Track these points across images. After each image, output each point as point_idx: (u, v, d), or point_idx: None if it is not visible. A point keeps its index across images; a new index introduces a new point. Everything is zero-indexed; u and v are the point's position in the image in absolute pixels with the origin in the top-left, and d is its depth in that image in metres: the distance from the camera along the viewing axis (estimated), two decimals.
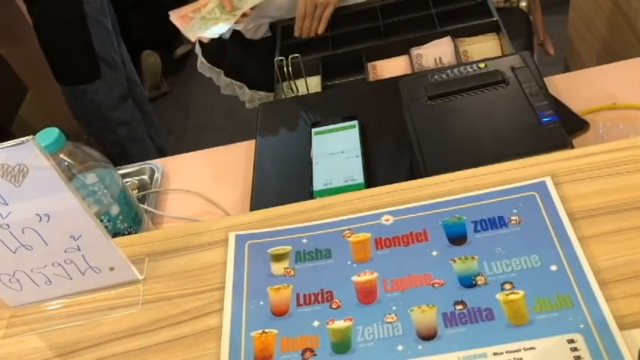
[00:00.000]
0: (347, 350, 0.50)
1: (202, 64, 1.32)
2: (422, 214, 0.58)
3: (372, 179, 0.81)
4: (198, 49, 1.32)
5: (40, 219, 0.53)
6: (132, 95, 1.92)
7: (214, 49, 1.25)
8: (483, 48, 1.00)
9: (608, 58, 1.51)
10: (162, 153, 2.03)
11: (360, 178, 0.81)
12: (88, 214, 0.53)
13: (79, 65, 1.75)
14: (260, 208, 0.65)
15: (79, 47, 1.72)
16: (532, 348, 0.47)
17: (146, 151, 1.93)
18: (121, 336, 0.56)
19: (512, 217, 0.56)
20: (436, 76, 0.75)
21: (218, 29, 1.05)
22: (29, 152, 0.49)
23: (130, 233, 0.79)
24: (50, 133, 0.69)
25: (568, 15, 1.74)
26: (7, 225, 0.53)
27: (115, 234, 0.77)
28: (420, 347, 0.49)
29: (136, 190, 0.98)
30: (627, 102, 0.89)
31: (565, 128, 0.68)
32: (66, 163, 0.73)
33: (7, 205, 0.51)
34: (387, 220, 0.59)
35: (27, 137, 0.48)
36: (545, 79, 0.80)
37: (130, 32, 2.22)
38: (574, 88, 0.94)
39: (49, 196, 0.51)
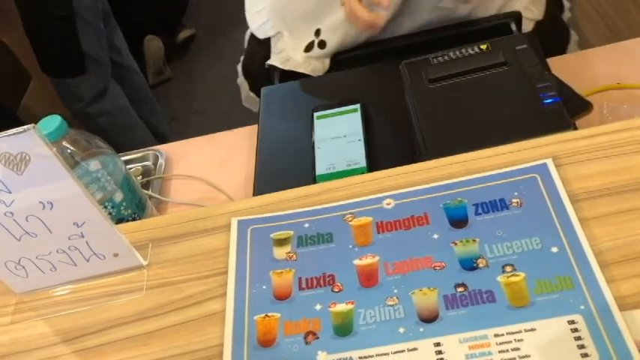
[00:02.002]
0: (349, 333, 0.51)
1: (248, 98, 1.16)
2: (423, 197, 0.58)
3: (374, 163, 0.81)
4: (242, 81, 1.16)
5: (44, 206, 0.53)
6: (128, 83, 1.93)
7: (261, 80, 1.08)
8: None
9: (614, 38, 1.49)
10: (164, 139, 2.03)
11: (362, 162, 0.81)
12: (91, 201, 0.53)
13: (64, 61, 1.76)
14: (263, 193, 0.65)
15: (65, 45, 1.72)
16: (533, 329, 0.48)
17: (136, 137, 1.93)
18: (127, 321, 0.57)
19: (514, 200, 0.56)
20: (437, 59, 0.74)
21: None
22: (30, 140, 0.49)
23: (134, 219, 0.79)
24: (52, 121, 0.70)
25: None
26: (11, 213, 0.53)
27: (119, 220, 0.77)
28: (421, 329, 0.50)
29: (140, 177, 0.98)
30: (632, 82, 0.88)
31: (568, 109, 0.67)
32: (69, 151, 0.73)
33: (10, 193, 0.52)
34: (389, 204, 0.59)
35: (28, 125, 0.48)
36: (548, 59, 0.80)
37: (131, 17, 2.21)
38: (578, 68, 0.93)
39: (52, 184, 0.52)
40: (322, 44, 0.95)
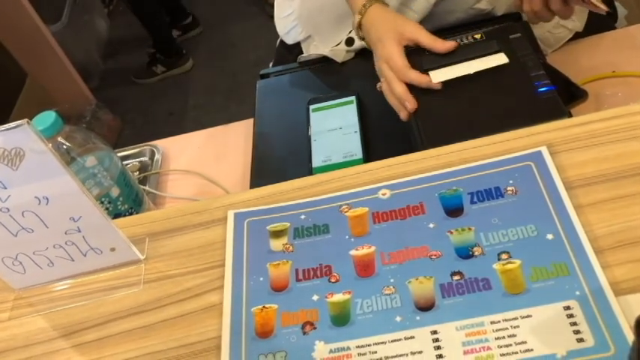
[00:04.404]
0: (346, 323, 0.51)
1: None
2: (418, 187, 0.59)
3: (370, 154, 0.81)
4: None
5: (39, 202, 0.53)
6: None
7: None
8: None
9: None
10: None
11: (358, 154, 0.81)
12: (87, 195, 0.53)
13: None
14: (260, 187, 0.65)
15: None
16: (529, 316, 0.48)
17: None
18: (125, 315, 0.57)
19: (509, 188, 0.56)
20: None
21: None
22: (25, 136, 0.49)
23: (131, 214, 0.79)
24: (47, 117, 0.70)
25: None
26: (7, 209, 0.53)
27: (117, 215, 0.77)
28: (418, 318, 0.50)
29: (137, 172, 0.98)
30: (627, 70, 0.88)
31: (564, 98, 0.67)
32: (65, 147, 0.73)
33: (5, 188, 0.52)
34: (384, 194, 0.59)
35: (22, 120, 0.48)
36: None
37: None
38: (573, 57, 0.93)
39: (47, 179, 0.52)
40: (350, 42, 0.94)
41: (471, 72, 0.70)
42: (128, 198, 0.79)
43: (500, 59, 0.70)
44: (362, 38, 0.83)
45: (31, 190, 0.52)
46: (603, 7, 0.70)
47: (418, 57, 0.74)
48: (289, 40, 1.01)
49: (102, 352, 0.55)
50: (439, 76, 0.71)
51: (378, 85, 0.79)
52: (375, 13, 0.79)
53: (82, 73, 2.23)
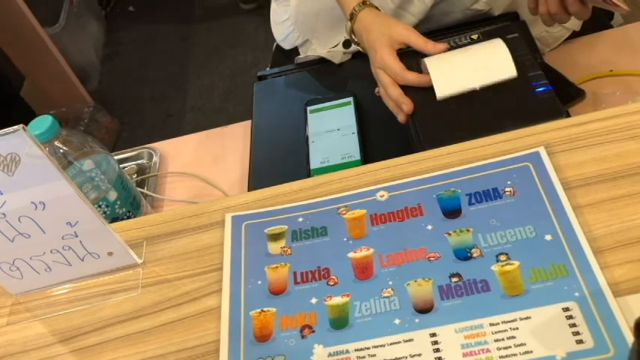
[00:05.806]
0: (345, 326, 0.51)
1: None
2: (416, 188, 0.58)
3: (368, 155, 0.80)
4: None
5: (36, 207, 0.53)
6: None
7: None
8: None
9: None
10: None
11: (356, 155, 0.81)
12: (83, 200, 0.53)
13: None
14: (258, 188, 0.65)
15: None
16: (528, 318, 0.48)
17: None
18: (123, 319, 0.57)
19: (507, 189, 0.56)
20: None
21: None
22: (20, 141, 0.49)
23: (129, 218, 0.79)
24: (43, 121, 0.69)
25: None
26: (4, 214, 0.53)
27: (114, 219, 0.77)
28: (417, 320, 0.50)
29: (135, 175, 0.98)
30: (624, 69, 0.88)
31: (562, 97, 0.67)
32: (62, 151, 0.73)
33: (1, 194, 0.52)
34: (382, 196, 0.59)
35: (17, 126, 0.48)
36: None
37: None
38: (571, 56, 0.93)
39: (44, 184, 0.52)
40: (347, 44, 0.93)
41: (477, 87, 0.69)
42: (126, 201, 0.78)
43: (508, 71, 0.68)
44: (356, 43, 0.83)
45: (27, 195, 0.52)
46: (624, 7, 0.69)
47: (414, 57, 0.73)
48: (286, 46, 1.01)
49: (100, 357, 0.54)
50: (443, 88, 0.70)
51: (376, 90, 0.79)
52: (366, 19, 0.78)
53: (80, 75, 2.23)
